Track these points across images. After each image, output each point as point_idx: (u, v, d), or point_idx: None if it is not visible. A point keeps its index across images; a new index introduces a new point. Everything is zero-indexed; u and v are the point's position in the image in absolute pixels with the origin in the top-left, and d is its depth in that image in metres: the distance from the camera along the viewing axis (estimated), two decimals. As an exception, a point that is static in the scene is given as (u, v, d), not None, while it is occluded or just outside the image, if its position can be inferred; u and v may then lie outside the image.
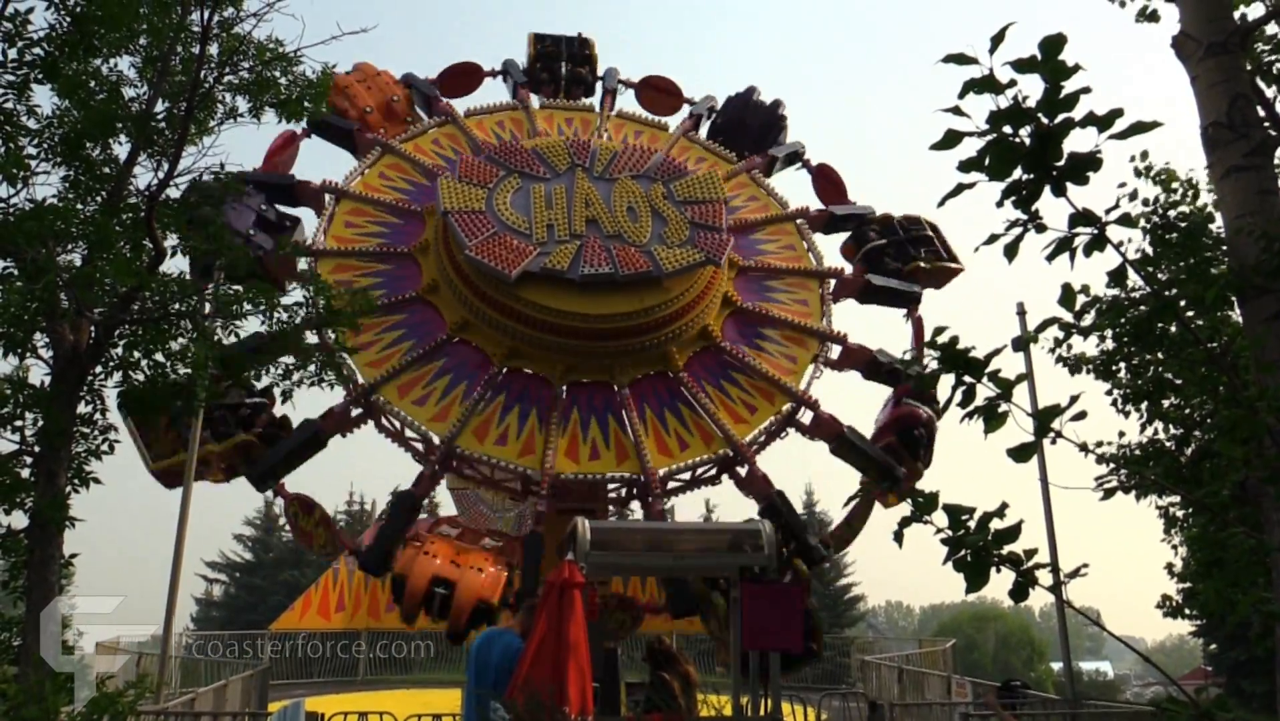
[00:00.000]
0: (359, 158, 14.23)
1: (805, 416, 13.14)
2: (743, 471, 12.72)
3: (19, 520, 6.63)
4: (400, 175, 14.26)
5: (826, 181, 15.84)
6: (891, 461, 12.61)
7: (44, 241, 6.51)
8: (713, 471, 13.26)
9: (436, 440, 12.10)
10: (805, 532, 12.51)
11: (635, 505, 15.32)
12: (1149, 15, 8.58)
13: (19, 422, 6.74)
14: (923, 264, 14.35)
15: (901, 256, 14.40)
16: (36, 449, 6.69)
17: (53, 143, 6.96)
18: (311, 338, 8.44)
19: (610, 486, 13.35)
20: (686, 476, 13.19)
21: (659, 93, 16.39)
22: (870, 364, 13.51)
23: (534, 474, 11.88)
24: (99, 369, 6.98)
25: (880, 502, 13.26)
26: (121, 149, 7.27)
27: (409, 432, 12.48)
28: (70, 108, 6.97)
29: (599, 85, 16.41)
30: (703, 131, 16.32)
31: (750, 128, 16.10)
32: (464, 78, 15.85)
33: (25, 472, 6.64)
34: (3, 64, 6.59)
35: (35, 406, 6.70)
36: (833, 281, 14.33)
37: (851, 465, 12.99)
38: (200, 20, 6.95)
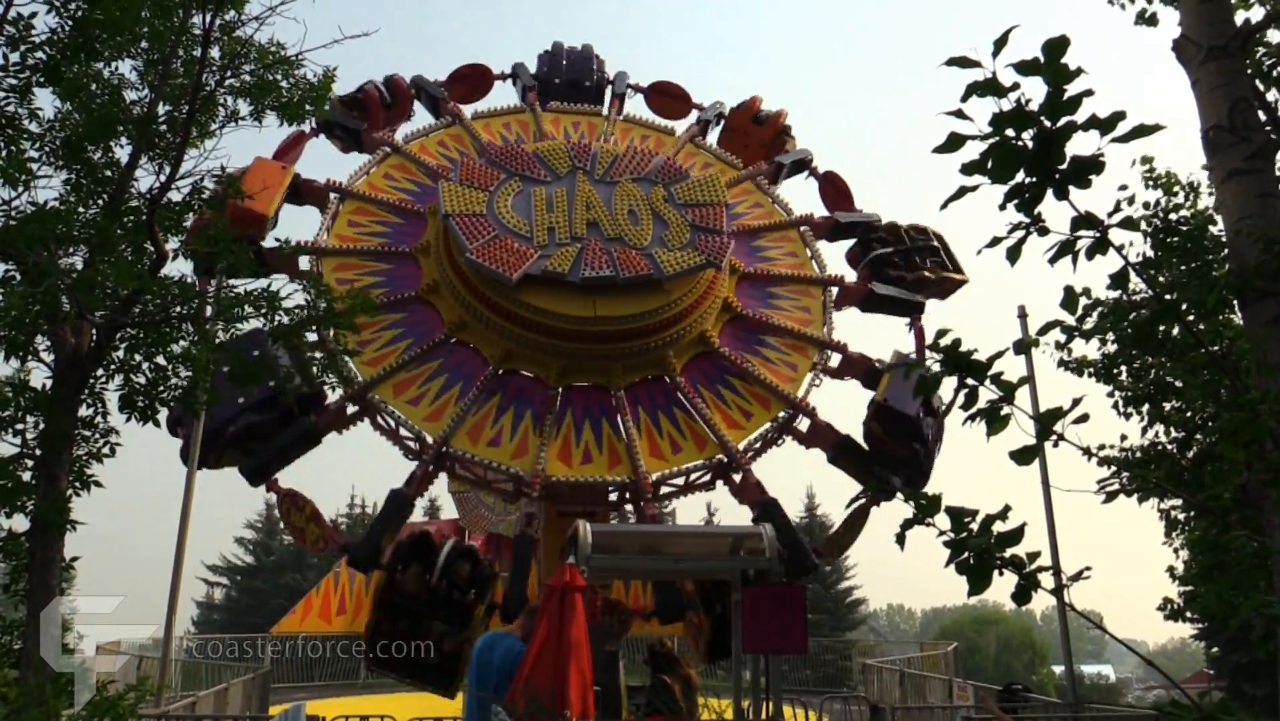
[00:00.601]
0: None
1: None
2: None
3: (20, 523, 6.64)
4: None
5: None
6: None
7: (45, 245, 6.51)
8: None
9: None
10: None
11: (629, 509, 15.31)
12: (1148, 18, 8.57)
13: (20, 426, 6.73)
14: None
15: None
16: (37, 452, 6.69)
17: (54, 146, 6.97)
18: (312, 337, 8.42)
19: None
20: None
21: (466, 80, 15.81)
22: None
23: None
24: (100, 372, 6.98)
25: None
26: (123, 152, 7.28)
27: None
28: (72, 111, 6.98)
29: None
30: (512, 98, 16.13)
31: (575, 75, 16.11)
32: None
33: (26, 476, 6.64)
34: (4, 67, 6.60)
35: (36, 409, 6.70)
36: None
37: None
38: (202, 24, 6.95)
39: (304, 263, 12.50)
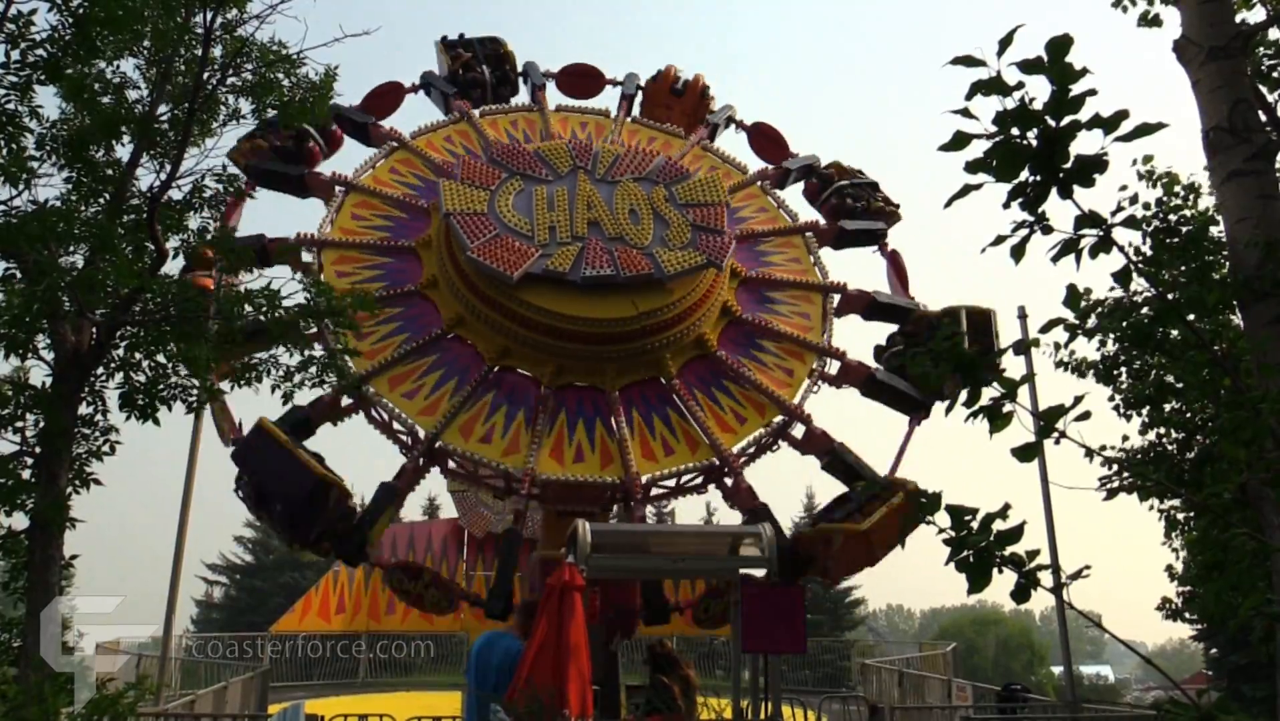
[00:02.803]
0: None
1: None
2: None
3: (20, 521, 6.64)
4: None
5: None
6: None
7: (46, 243, 6.51)
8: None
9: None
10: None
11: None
12: (1151, 20, 8.58)
13: (20, 424, 6.74)
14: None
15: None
16: (38, 450, 6.69)
17: (55, 144, 6.97)
18: (317, 351, 8.37)
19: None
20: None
21: (382, 97, 15.38)
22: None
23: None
24: (100, 370, 6.98)
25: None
26: (124, 151, 7.29)
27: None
28: (74, 110, 6.98)
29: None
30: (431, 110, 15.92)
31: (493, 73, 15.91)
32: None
33: (26, 474, 6.64)
34: (5, 65, 6.60)
35: (36, 407, 6.70)
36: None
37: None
38: (203, 22, 6.96)
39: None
